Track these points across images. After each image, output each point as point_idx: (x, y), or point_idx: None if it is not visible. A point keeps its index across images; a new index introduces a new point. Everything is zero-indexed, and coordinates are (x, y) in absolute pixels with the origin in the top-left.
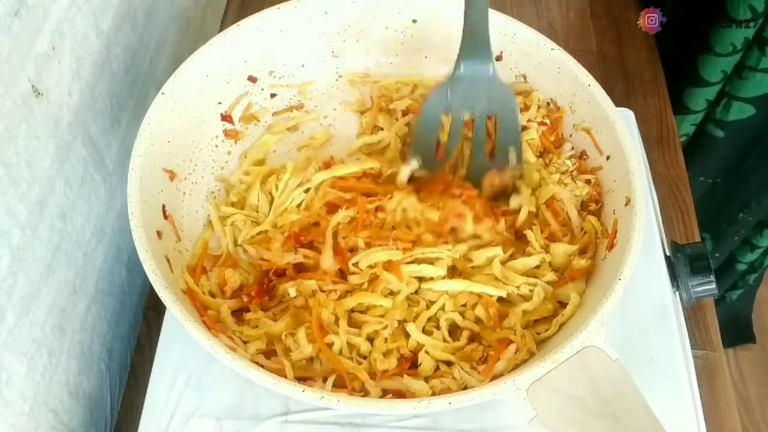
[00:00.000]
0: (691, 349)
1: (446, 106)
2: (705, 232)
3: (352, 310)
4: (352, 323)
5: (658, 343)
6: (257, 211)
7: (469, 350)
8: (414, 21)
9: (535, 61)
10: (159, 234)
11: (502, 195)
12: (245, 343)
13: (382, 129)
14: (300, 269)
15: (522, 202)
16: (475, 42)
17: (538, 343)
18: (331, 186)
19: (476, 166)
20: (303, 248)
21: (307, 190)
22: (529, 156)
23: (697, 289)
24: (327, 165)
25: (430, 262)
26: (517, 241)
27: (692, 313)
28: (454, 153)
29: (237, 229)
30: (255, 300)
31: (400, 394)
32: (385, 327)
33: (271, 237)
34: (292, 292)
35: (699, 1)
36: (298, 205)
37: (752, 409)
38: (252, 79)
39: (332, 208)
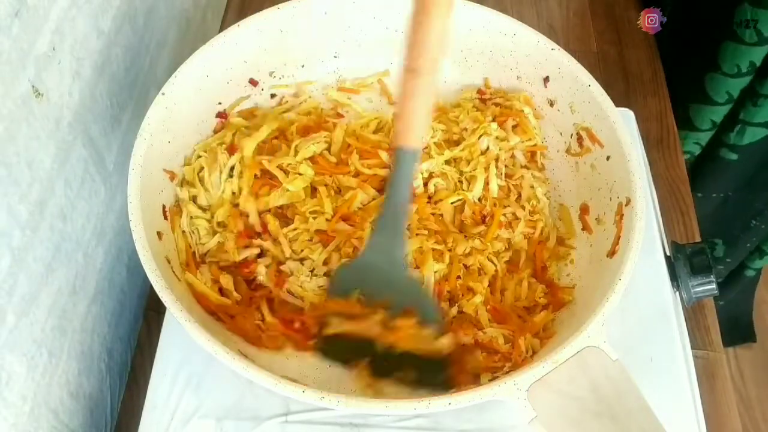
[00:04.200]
0: (691, 349)
1: (358, 285)
2: (717, 237)
3: None
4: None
5: (658, 343)
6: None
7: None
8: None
9: (535, 61)
10: (159, 234)
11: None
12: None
13: None
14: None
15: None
16: (391, 220)
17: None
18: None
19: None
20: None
21: (231, 175)
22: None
23: (697, 289)
24: (233, 149)
25: None
26: None
27: (692, 313)
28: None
29: (197, 235)
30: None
31: None
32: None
33: (223, 239)
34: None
35: (702, 8)
36: (233, 192)
37: (752, 409)
38: (253, 82)
39: (264, 178)
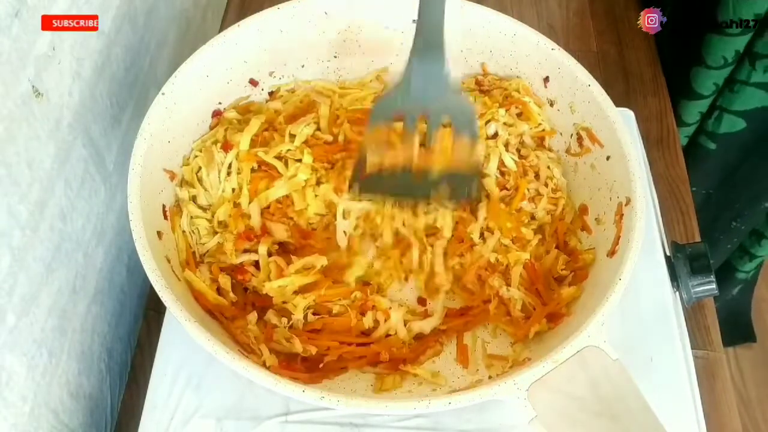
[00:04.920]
0: (692, 349)
1: (397, 111)
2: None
3: None
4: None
5: (658, 343)
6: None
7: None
8: (414, 21)
9: (535, 61)
10: (159, 234)
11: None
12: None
13: None
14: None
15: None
16: (427, 40)
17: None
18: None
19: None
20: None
21: (229, 173)
22: (509, 163)
23: (697, 289)
24: (228, 146)
25: None
26: None
27: (692, 313)
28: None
29: (197, 235)
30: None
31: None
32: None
33: (222, 240)
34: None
35: (694, 5)
36: (233, 189)
37: (752, 409)
38: (253, 83)
39: (261, 171)
